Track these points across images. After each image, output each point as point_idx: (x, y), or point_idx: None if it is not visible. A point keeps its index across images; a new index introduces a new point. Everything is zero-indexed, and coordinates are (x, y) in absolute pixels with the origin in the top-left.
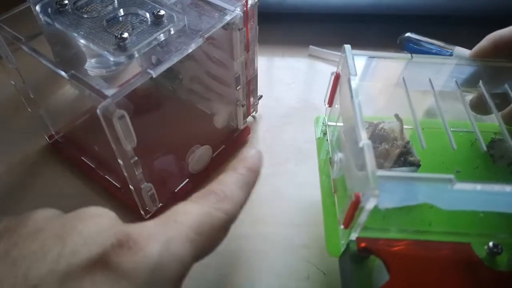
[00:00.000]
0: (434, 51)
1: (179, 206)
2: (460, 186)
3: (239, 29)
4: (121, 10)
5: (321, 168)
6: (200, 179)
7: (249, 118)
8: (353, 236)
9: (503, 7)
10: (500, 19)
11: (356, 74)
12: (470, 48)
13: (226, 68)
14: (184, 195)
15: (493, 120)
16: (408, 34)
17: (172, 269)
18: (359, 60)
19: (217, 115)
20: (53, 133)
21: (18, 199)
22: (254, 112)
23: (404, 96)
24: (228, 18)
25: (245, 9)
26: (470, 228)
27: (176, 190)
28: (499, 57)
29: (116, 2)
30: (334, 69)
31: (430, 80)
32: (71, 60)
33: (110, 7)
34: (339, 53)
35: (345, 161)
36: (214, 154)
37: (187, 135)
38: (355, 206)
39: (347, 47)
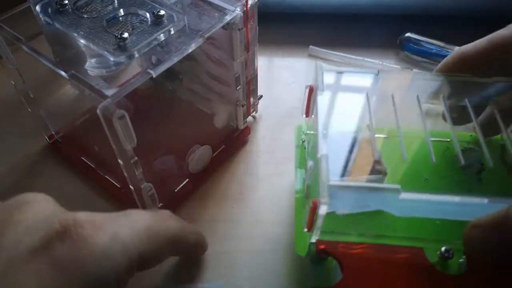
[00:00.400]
0: (434, 51)
1: (132, 210)
2: (405, 195)
3: (239, 29)
4: (121, 10)
5: (297, 172)
6: (200, 179)
7: (249, 118)
8: (313, 238)
9: (503, 7)
10: (500, 19)
11: (323, 90)
12: None
13: (226, 68)
14: (184, 195)
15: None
16: (408, 34)
17: (119, 261)
18: (331, 75)
19: (217, 115)
20: (53, 133)
21: None
22: (254, 112)
23: (377, 108)
24: (228, 18)
25: (245, 9)
26: (427, 234)
27: (176, 190)
28: (463, 72)
29: (116, 2)
30: (334, 69)
31: (392, 96)
32: (71, 60)
33: (110, 7)
34: (339, 53)
35: (313, 168)
36: (214, 154)
37: (187, 135)
38: (313, 211)
39: (319, 64)
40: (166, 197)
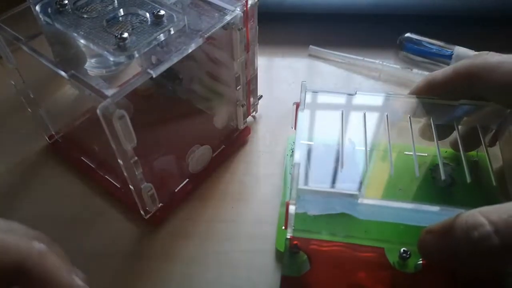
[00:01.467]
0: (434, 51)
1: None
2: (363, 200)
3: (239, 29)
4: (121, 10)
5: (286, 180)
6: (200, 179)
7: (249, 118)
8: (288, 235)
9: (503, 7)
10: (500, 19)
11: (304, 107)
12: (471, 48)
13: (226, 68)
14: (184, 195)
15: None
16: (408, 35)
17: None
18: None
19: (217, 115)
20: (53, 133)
21: (18, 199)
22: (254, 112)
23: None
24: (228, 18)
25: (245, 9)
26: (390, 236)
27: (176, 190)
28: (432, 95)
29: (116, 2)
30: (334, 69)
31: (364, 115)
32: (71, 60)
33: (110, 7)
34: (339, 53)
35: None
36: (214, 154)
37: (187, 135)
38: (287, 211)
39: (303, 84)
40: (166, 197)
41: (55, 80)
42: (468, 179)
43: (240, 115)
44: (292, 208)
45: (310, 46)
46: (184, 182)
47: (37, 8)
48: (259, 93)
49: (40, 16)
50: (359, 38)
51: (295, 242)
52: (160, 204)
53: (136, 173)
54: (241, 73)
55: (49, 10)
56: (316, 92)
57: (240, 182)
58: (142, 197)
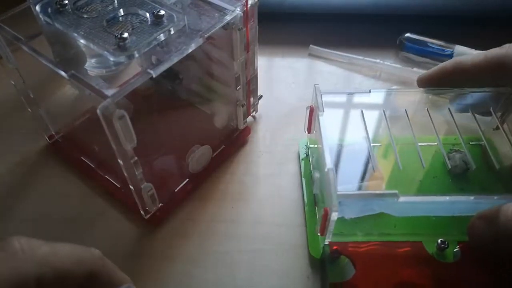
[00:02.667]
0: (433, 50)
1: None
2: (403, 199)
3: (239, 29)
4: (121, 10)
5: (307, 184)
6: (200, 179)
7: (249, 118)
8: (326, 241)
9: (503, 7)
10: (500, 19)
11: (323, 111)
12: (471, 47)
13: (226, 68)
14: (184, 195)
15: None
16: (407, 35)
17: None
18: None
19: (217, 115)
20: (53, 133)
21: (18, 199)
22: (254, 112)
23: (373, 122)
24: (228, 18)
25: (245, 9)
26: (425, 229)
27: (176, 190)
28: (457, 78)
29: (116, 2)
30: (334, 68)
31: (384, 111)
32: (71, 60)
33: (110, 7)
34: (339, 53)
35: (320, 180)
36: (214, 154)
37: (187, 135)
38: (325, 218)
39: (317, 86)
40: (166, 197)
41: (55, 80)
42: (473, 166)
43: (240, 115)
44: (334, 215)
45: (311, 45)
46: (184, 182)
47: (37, 8)
48: (259, 93)
49: (40, 16)
50: (359, 38)
51: (335, 247)
52: (160, 204)
53: (136, 173)
54: (241, 73)
55: (49, 10)
56: (330, 93)
57: (240, 182)
58: (142, 197)
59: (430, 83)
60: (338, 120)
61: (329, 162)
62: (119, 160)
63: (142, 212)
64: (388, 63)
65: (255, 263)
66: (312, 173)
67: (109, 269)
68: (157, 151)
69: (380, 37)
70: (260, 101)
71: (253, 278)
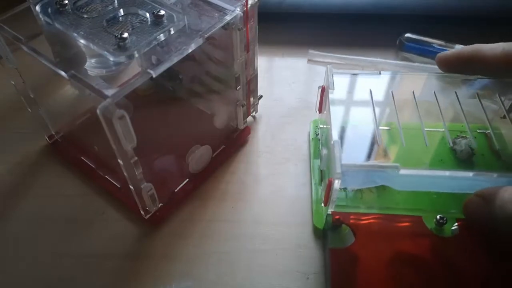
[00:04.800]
0: (434, 50)
1: None
2: (404, 171)
3: (239, 29)
4: (121, 10)
5: (313, 162)
6: (200, 179)
7: (249, 118)
8: (329, 210)
9: (503, 7)
10: (500, 19)
11: (333, 89)
12: None
13: (226, 68)
14: (184, 195)
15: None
16: (407, 35)
17: None
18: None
19: (217, 115)
20: (53, 133)
21: (18, 199)
22: (254, 112)
23: (381, 103)
24: (228, 18)
25: (245, 9)
26: (425, 206)
27: (176, 190)
28: (473, 65)
29: (116, 2)
30: (342, 71)
31: (392, 93)
32: (71, 60)
33: (110, 7)
34: (339, 55)
35: (327, 155)
36: (214, 154)
37: (187, 135)
38: (329, 187)
39: (329, 67)
40: (166, 197)
41: (55, 80)
42: (475, 145)
43: (240, 115)
44: (337, 183)
45: (310, 50)
46: (184, 182)
47: (37, 8)
48: (259, 93)
49: (40, 16)
50: (359, 38)
51: (337, 216)
52: (160, 204)
53: (136, 173)
54: (241, 73)
55: (49, 10)
56: (341, 73)
57: (240, 182)
58: (142, 197)
59: (446, 65)
60: (347, 101)
61: (335, 135)
62: (119, 160)
63: (142, 212)
64: (388, 61)
65: (255, 263)
66: (320, 152)
67: None
68: (157, 151)
69: (380, 37)
70: (260, 101)
71: (253, 278)
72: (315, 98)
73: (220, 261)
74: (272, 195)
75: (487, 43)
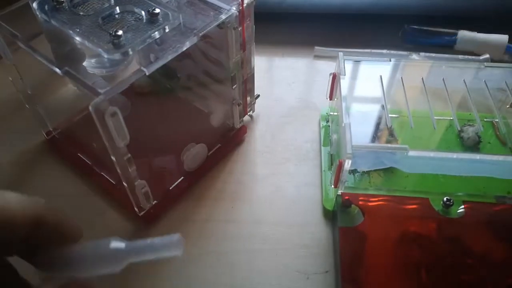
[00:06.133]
0: (435, 39)
1: None
2: (413, 153)
3: (234, 28)
4: (117, 8)
5: (324, 147)
6: (196, 177)
7: (246, 118)
8: (339, 191)
9: (502, 8)
10: (500, 19)
11: (345, 74)
12: (471, 47)
13: (222, 67)
14: (179, 193)
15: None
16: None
17: None
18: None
19: (213, 114)
20: (51, 129)
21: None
22: (251, 111)
23: (391, 89)
24: (223, 17)
25: (240, 8)
26: (433, 188)
27: (171, 188)
28: None
29: (112, 0)
30: (333, 68)
31: (401, 79)
32: (68, 57)
33: (106, 5)
34: (346, 49)
35: (337, 139)
36: (210, 153)
37: (183, 133)
38: (339, 168)
39: (341, 54)
40: (160, 195)
41: (53, 77)
42: (481, 128)
43: (236, 114)
44: (347, 163)
45: (316, 47)
46: (179, 180)
47: (35, 5)
48: (259, 93)
49: (37, 13)
50: (359, 38)
51: (347, 197)
52: (155, 201)
53: (130, 170)
54: (237, 72)
55: (46, 7)
56: (351, 61)
57: (237, 181)
58: (135, 194)
59: None
60: (358, 88)
61: (346, 118)
62: (112, 157)
63: (135, 209)
64: (394, 51)
65: (254, 263)
66: (330, 138)
67: (57, 217)
68: (152, 149)
69: (380, 37)
70: (260, 101)
71: (253, 278)
72: (315, 98)
73: (220, 261)
74: (272, 195)
75: None
